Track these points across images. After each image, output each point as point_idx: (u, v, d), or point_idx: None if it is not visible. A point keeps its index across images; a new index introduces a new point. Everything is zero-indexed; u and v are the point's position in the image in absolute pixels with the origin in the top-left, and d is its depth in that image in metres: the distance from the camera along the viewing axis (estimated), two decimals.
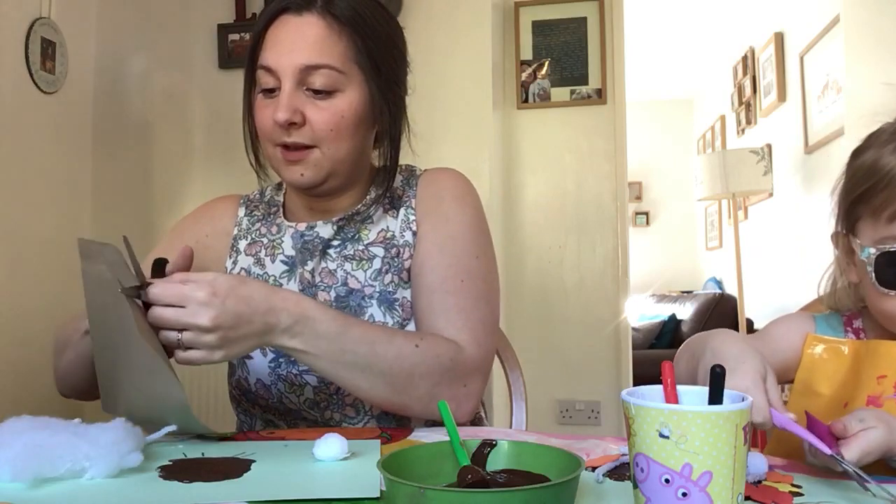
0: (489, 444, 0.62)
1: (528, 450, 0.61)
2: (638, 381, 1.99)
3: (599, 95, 2.86)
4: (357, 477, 0.69)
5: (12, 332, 2.16)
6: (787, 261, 3.97)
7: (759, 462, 0.68)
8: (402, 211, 1.08)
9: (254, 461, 0.76)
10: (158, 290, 0.79)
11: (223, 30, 2.61)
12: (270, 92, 0.99)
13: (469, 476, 0.56)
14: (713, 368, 0.54)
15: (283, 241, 1.09)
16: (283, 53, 0.97)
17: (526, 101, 2.91)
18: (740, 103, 4.85)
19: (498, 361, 1.33)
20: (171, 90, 2.66)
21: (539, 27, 2.90)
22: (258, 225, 1.13)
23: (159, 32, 2.65)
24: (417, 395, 0.92)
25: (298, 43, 0.97)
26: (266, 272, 1.08)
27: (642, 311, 5.30)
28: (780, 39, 4.13)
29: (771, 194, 4.18)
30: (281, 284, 1.07)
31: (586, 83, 2.87)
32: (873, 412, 0.67)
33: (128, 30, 2.66)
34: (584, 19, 2.86)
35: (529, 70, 2.91)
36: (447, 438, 0.61)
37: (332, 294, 1.04)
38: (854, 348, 0.88)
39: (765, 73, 4.36)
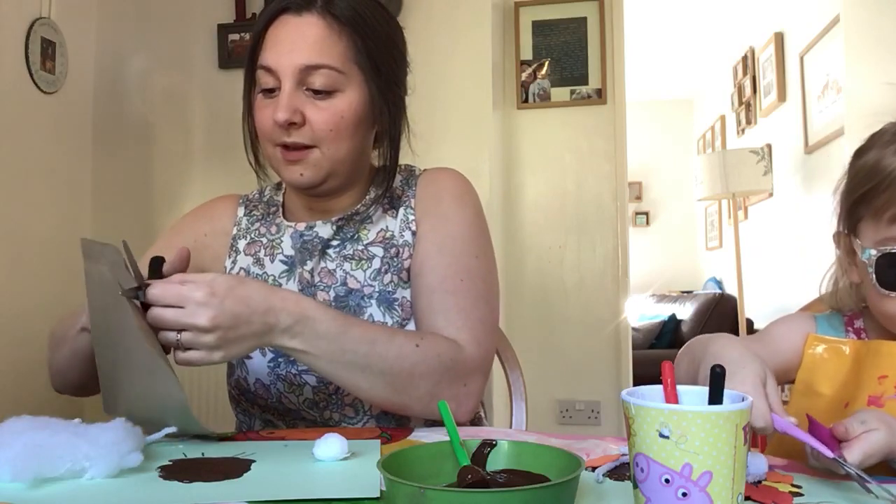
0: (489, 444, 0.62)
1: (528, 450, 0.61)
2: (638, 381, 1.99)
3: (599, 95, 2.86)
4: (357, 477, 0.69)
5: (12, 332, 2.16)
6: (787, 261, 3.97)
7: (759, 462, 0.68)
8: (401, 211, 1.08)
9: (254, 461, 0.75)
10: (157, 290, 0.79)
11: (223, 30, 2.61)
12: (270, 92, 0.99)
13: (469, 476, 0.56)
14: (713, 368, 0.54)
15: (282, 241, 1.09)
16: (283, 53, 0.97)
17: (526, 101, 2.91)
18: (740, 103, 4.85)
19: (498, 361, 1.33)
20: (171, 90, 2.66)
21: (539, 27, 2.90)
22: (257, 225, 1.13)
23: (159, 32, 2.65)
24: (418, 394, 0.92)
25: (298, 43, 0.97)
26: (265, 272, 1.08)
27: (642, 311, 5.30)
28: (780, 39, 4.13)
29: (771, 194, 4.18)
30: (280, 284, 1.07)
31: (586, 83, 2.87)
32: (874, 413, 0.67)
33: (128, 30, 2.66)
34: (584, 19, 2.86)
35: (529, 70, 2.91)
36: (447, 438, 0.61)
37: (332, 294, 1.04)
38: (855, 348, 0.88)
39: (765, 73, 4.36)
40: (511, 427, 1.28)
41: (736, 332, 3.97)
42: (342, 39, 0.98)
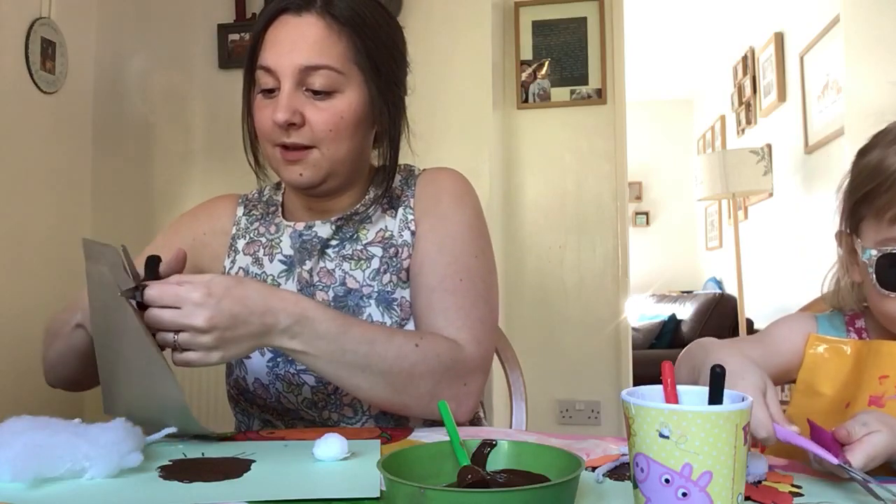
0: (489, 444, 0.62)
1: (528, 450, 0.61)
2: (638, 381, 1.99)
3: (599, 95, 2.86)
4: (357, 477, 0.69)
5: (12, 332, 2.16)
6: (787, 261, 3.97)
7: (759, 462, 0.68)
8: (400, 211, 1.08)
9: (254, 461, 0.75)
10: (155, 291, 0.79)
11: (223, 30, 2.61)
12: (270, 92, 0.99)
13: (469, 476, 0.56)
14: (713, 368, 0.54)
15: (281, 241, 1.09)
16: (283, 54, 0.97)
17: (526, 101, 2.91)
18: (740, 103, 4.85)
19: (498, 361, 1.33)
20: (171, 90, 2.65)
21: (539, 27, 2.90)
22: (256, 224, 1.13)
23: (159, 32, 2.65)
24: (418, 394, 0.92)
25: (298, 43, 0.97)
26: (264, 272, 1.08)
27: (642, 311, 5.30)
28: (780, 39, 4.13)
29: (771, 194, 4.18)
30: (279, 284, 1.07)
31: (586, 83, 2.87)
32: (875, 415, 0.67)
33: (128, 30, 2.66)
34: (584, 19, 2.86)
35: (529, 70, 2.91)
36: (447, 438, 0.61)
37: (331, 294, 1.04)
38: (856, 348, 0.88)
39: (765, 73, 4.36)
40: (511, 427, 1.28)
41: (736, 332, 3.98)
42: (342, 40, 0.98)
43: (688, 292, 5.45)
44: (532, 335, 2.81)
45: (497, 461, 0.61)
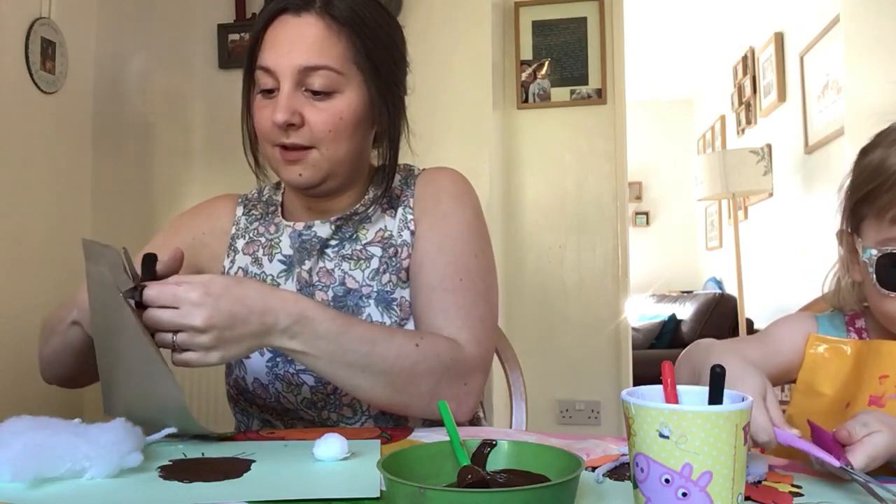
0: (489, 444, 0.62)
1: (528, 450, 0.61)
2: (638, 381, 1.99)
3: (599, 95, 2.86)
4: (357, 477, 0.69)
5: (12, 332, 2.16)
6: (787, 261, 3.97)
7: (759, 462, 0.68)
8: (399, 210, 1.08)
9: (254, 461, 0.75)
10: (153, 291, 0.79)
11: (223, 30, 2.61)
12: (269, 93, 0.99)
13: (469, 476, 0.56)
14: (713, 368, 0.53)
15: (280, 241, 1.09)
16: (282, 54, 0.97)
17: (526, 101, 2.91)
18: (740, 103, 4.85)
19: (498, 361, 1.33)
20: (171, 90, 2.66)
21: (539, 27, 2.90)
22: (256, 224, 1.13)
23: (159, 32, 2.65)
24: (419, 393, 0.92)
25: (297, 44, 0.96)
26: (264, 271, 1.08)
27: (642, 311, 5.30)
28: (780, 39, 4.13)
29: (771, 194, 4.18)
30: (278, 284, 1.07)
31: (586, 83, 2.87)
32: (875, 415, 0.67)
33: (128, 30, 2.65)
34: (584, 19, 2.86)
35: (529, 70, 2.91)
36: (447, 438, 0.61)
37: (330, 294, 1.04)
38: (856, 348, 0.88)
39: (765, 73, 4.36)
40: (511, 427, 1.28)
41: (736, 332, 3.98)
42: (341, 40, 0.98)
43: (688, 292, 5.45)
44: (532, 335, 2.81)
45: (497, 461, 0.61)
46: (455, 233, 1.05)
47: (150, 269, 0.83)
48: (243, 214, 1.15)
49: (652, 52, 5.13)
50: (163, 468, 0.73)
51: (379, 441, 0.84)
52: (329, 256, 1.07)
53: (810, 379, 0.89)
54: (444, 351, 0.94)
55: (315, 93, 0.97)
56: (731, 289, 5.02)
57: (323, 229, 1.06)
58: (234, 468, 0.73)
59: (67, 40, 2.44)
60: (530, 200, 2.92)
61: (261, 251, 1.10)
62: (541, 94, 2.90)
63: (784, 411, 0.71)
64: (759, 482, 0.66)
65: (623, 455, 0.72)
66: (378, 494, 0.62)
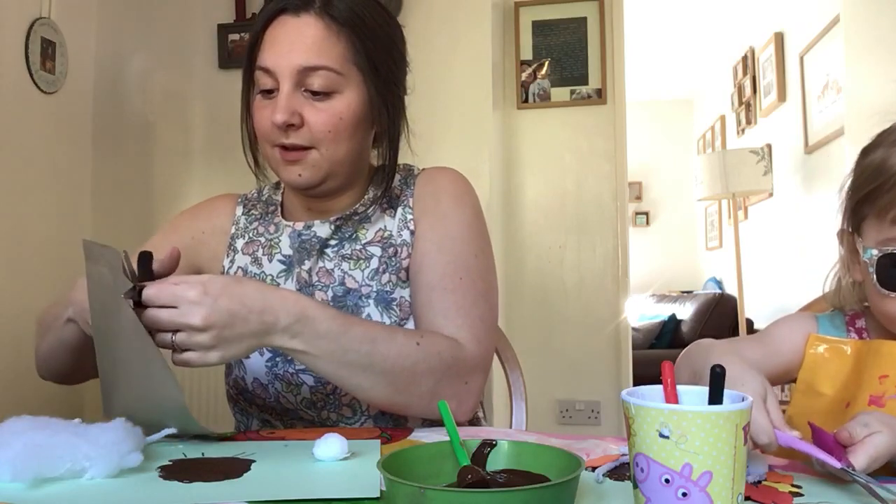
0: (489, 444, 0.62)
1: (528, 450, 0.61)
2: (638, 381, 1.99)
3: (599, 95, 2.86)
4: (357, 477, 0.69)
5: (12, 332, 2.16)
6: (787, 261, 3.97)
7: (759, 462, 0.68)
8: (399, 210, 1.08)
9: (254, 461, 0.75)
10: (152, 291, 0.79)
11: (223, 30, 2.61)
12: (269, 93, 0.99)
13: (469, 476, 0.56)
14: (713, 368, 0.53)
15: (280, 241, 1.09)
16: (282, 54, 0.97)
17: (526, 101, 2.91)
18: (740, 103, 4.85)
19: (498, 361, 1.33)
20: (171, 90, 2.66)
21: (539, 27, 2.90)
22: (256, 224, 1.13)
23: (159, 32, 2.65)
24: (419, 393, 0.92)
25: (297, 44, 0.96)
26: (263, 271, 1.08)
27: (642, 311, 5.30)
28: (780, 39, 4.13)
29: (771, 194, 4.18)
30: (278, 284, 1.06)
31: (586, 83, 2.87)
32: (875, 416, 0.67)
33: (128, 30, 2.65)
34: (584, 19, 2.86)
35: (529, 70, 2.91)
36: (447, 438, 0.61)
37: (330, 294, 1.04)
38: (856, 348, 0.88)
39: (765, 73, 4.36)
40: (511, 427, 1.28)
41: (736, 332, 3.98)
42: (341, 40, 0.98)
43: (688, 292, 5.45)
44: (532, 335, 2.81)
45: (497, 461, 0.61)
46: (455, 232, 1.05)
47: (146, 267, 0.83)
48: (243, 214, 1.15)
49: (652, 52, 5.13)
50: (163, 468, 0.73)
51: (379, 441, 0.84)
52: (329, 256, 1.07)
53: (810, 379, 0.90)
54: (445, 350, 0.94)
55: (314, 93, 0.97)
56: (731, 289, 5.02)
57: (322, 229, 1.06)
58: (234, 468, 0.73)
59: (67, 40, 2.44)
60: (530, 200, 2.92)
61: (260, 251, 1.10)
62: (541, 94, 2.90)
63: (784, 411, 0.71)
64: (759, 482, 0.66)
65: (623, 455, 0.72)
66: (378, 494, 0.62)
